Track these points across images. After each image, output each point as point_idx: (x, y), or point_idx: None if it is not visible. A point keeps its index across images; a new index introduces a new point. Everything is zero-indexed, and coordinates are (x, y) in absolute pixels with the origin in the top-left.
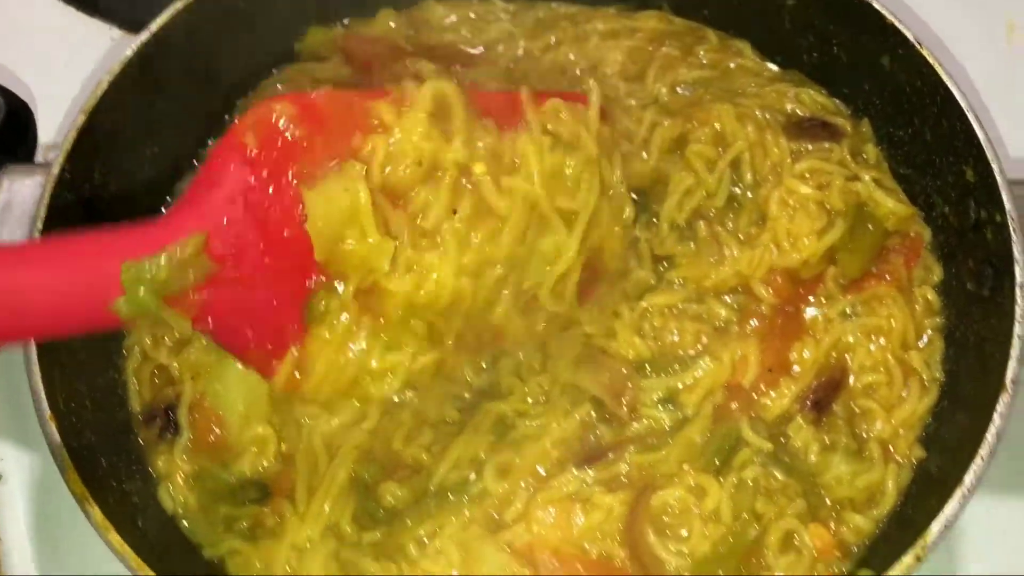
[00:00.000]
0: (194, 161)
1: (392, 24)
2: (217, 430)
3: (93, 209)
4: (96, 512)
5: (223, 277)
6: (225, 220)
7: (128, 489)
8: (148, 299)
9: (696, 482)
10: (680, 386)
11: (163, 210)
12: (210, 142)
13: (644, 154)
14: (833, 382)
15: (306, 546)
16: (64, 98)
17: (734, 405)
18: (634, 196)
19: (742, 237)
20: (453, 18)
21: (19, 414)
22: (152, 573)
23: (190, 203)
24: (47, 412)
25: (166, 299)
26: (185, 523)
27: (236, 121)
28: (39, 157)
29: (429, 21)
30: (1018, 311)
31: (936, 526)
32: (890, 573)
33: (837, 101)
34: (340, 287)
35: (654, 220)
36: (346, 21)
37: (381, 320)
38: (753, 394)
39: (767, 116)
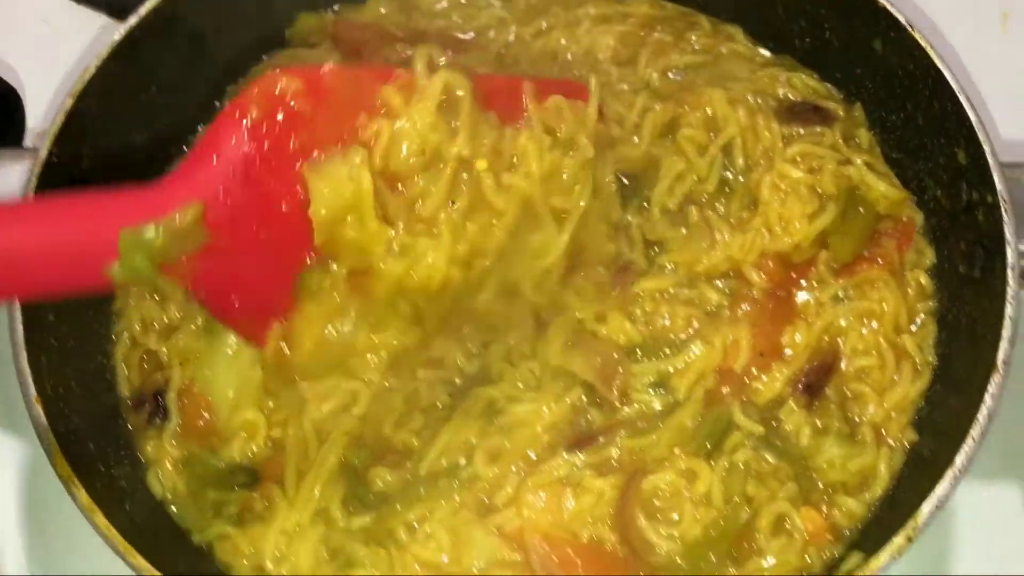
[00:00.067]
0: (183, 147)
1: (382, 10)
2: (206, 415)
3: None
4: (82, 495)
5: (217, 246)
6: (223, 190)
7: (116, 474)
8: (143, 265)
9: (687, 466)
10: (671, 370)
11: None
12: (200, 128)
13: (635, 139)
14: (825, 366)
15: (295, 531)
16: (53, 84)
17: (725, 389)
18: (625, 180)
19: (733, 221)
20: (444, 3)
21: (7, 402)
22: (138, 556)
23: (190, 170)
24: (34, 395)
25: (160, 265)
26: (174, 508)
27: (241, 90)
28: (28, 143)
29: (419, 6)
30: (1009, 291)
31: (927, 507)
32: (881, 554)
33: (829, 86)
34: (333, 266)
35: (645, 205)
36: (336, 7)
37: (369, 299)
38: (745, 378)
39: (759, 101)
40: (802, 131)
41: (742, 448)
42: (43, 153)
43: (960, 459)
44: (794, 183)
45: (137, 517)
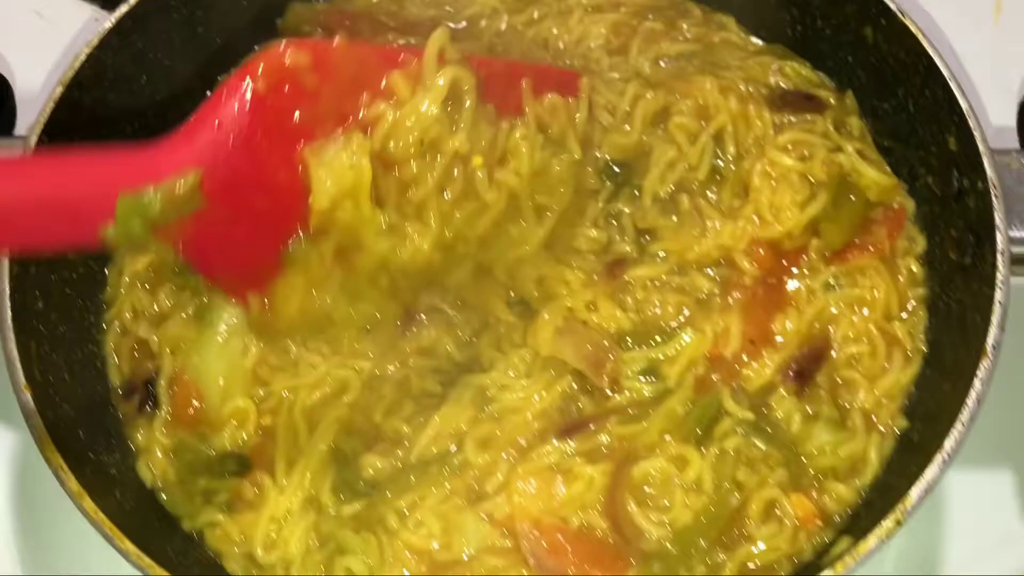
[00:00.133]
0: None
1: None
2: (196, 403)
3: None
4: (71, 480)
5: (211, 212)
6: (223, 158)
7: (106, 461)
8: (138, 229)
9: (677, 452)
10: (662, 357)
11: None
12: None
13: (627, 127)
14: (816, 353)
15: (285, 518)
16: (43, 73)
17: (716, 376)
18: (616, 169)
19: (724, 209)
20: None
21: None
22: (127, 541)
23: (191, 135)
24: (22, 381)
25: (154, 228)
26: (164, 496)
27: (249, 59)
28: (18, 131)
29: None
30: (999, 277)
31: (916, 491)
32: (870, 537)
33: (821, 74)
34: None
35: (636, 193)
36: None
37: (351, 272)
38: (735, 365)
39: (750, 89)
40: (793, 119)
41: (732, 435)
42: (33, 141)
43: (949, 443)
44: (785, 171)
45: (127, 504)
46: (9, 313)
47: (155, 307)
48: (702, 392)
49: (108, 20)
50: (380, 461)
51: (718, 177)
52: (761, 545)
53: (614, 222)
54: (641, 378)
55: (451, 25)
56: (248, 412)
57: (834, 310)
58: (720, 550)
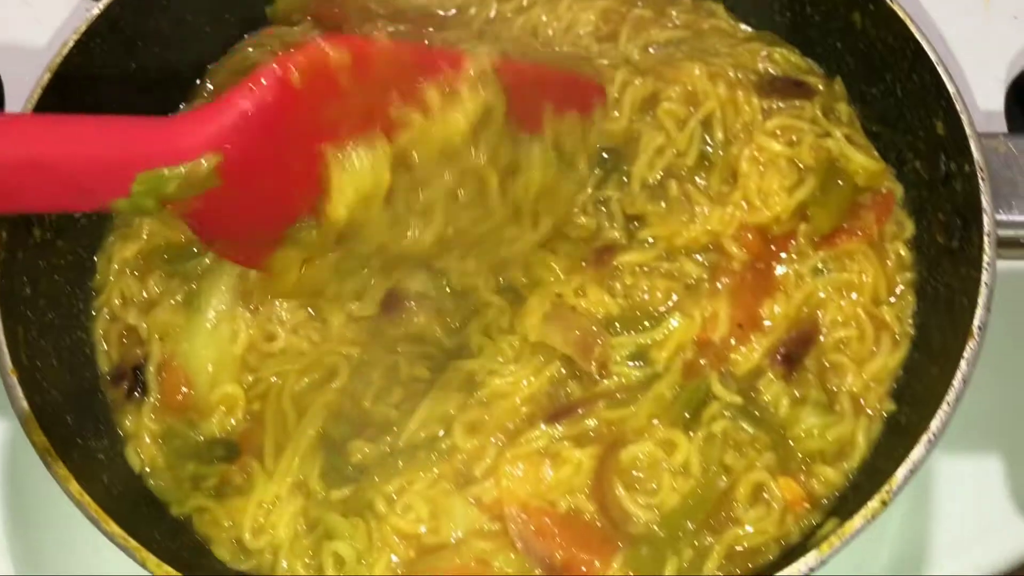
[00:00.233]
0: None
1: None
2: (185, 389)
3: None
4: (57, 464)
5: (222, 190)
6: (246, 144)
7: (93, 447)
8: (150, 204)
9: (665, 436)
10: (650, 342)
11: None
12: (182, 107)
13: (615, 113)
14: (804, 337)
15: (274, 503)
16: (32, 62)
17: (704, 361)
18: (605, 155)
19: (713, 195)
20: None
21: None
22: (112, 523)
23: (216, 115)
24: (8, 366)
25: (163, 203)
26: (152, 481)
27: (287, 52)
28: None
29: None
30: (985, 259)
31: (902, 471)
32: (856, 518)
33: (810, 60)
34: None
35: (625, 179)
36: None
37: (348, 253)
38: (723, 350)
39: (739, 75)
40: (782, 105)
41: (720, 418)
42: None
43: (935, 424)
44: (773, 156)
45: (114, 489)
46: None
47: (144, 294)
48: (690, 376)
49: (96, 7)
50: (368, 446)
51: (706, 163)
52: (749, 528)
53: (603, 208)
54: (629, 363)
55: (440, 13)
56: (237, 398)
57: (822, 295)
58: (708, 533)
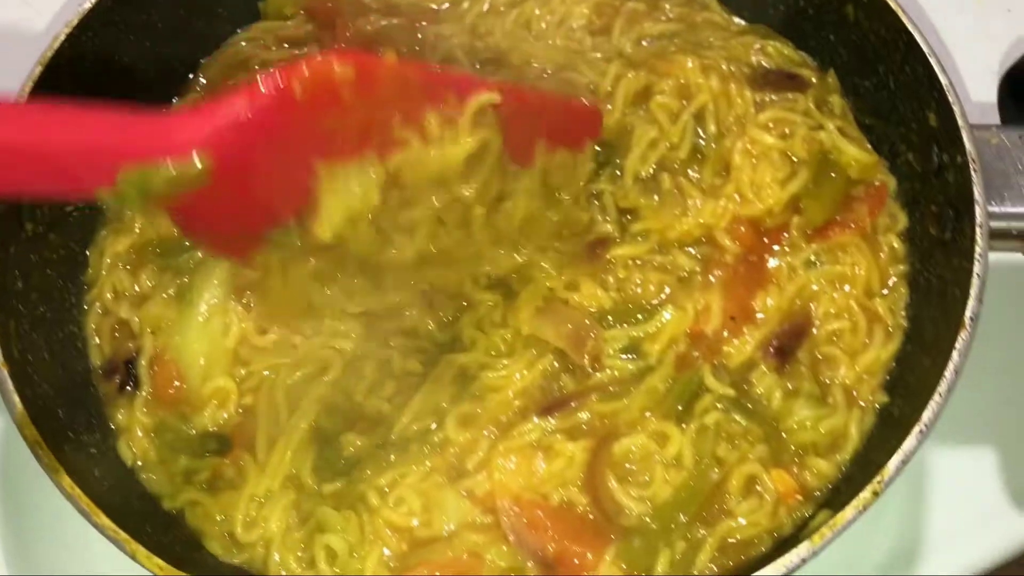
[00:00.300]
0: None
1: None
2: (177, 383)
3: None
4: (47, 456)
5: (209, 190)
6: (238, 148)
7: (85, 441)
8: (134, 199)
9: (658, 429)
10: (643, 335)
11: None
12: (175, 101)
13: (608, 106)
14: (797, 329)
15: (266, 496)
16: (23, 56)
17: (697, 353)
18: (597, 148)
19: (706, 188)
20: None
21: None
22: (103, 516)
23: (210, 115)
24: None
25: (149, 199)
26: (144, 475)
27: (295, 63)
28: None
29: None
30: (977, 250)
31: (893, 462)
32: (847, 508)
33: (803, 54)
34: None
35: (618, 173)
36: None
37: (327, 260)
38: (716, 342)
39: (732, 68)
40: (775, 97)
41: (713, 410)
42: None
43: (927, 415)
44: (766, 148)
45: (106, 483)
46: None
47: (136, 287)
48: (683, 369)
49: (88, 0)
50: (361, 440)
51: (699, 156)
52: (741, 520)
53: (596, 202)
54: (622, 356)
55: (433, 7)
56: (229, 391)
57: (815, 287)
58: (700, 525)
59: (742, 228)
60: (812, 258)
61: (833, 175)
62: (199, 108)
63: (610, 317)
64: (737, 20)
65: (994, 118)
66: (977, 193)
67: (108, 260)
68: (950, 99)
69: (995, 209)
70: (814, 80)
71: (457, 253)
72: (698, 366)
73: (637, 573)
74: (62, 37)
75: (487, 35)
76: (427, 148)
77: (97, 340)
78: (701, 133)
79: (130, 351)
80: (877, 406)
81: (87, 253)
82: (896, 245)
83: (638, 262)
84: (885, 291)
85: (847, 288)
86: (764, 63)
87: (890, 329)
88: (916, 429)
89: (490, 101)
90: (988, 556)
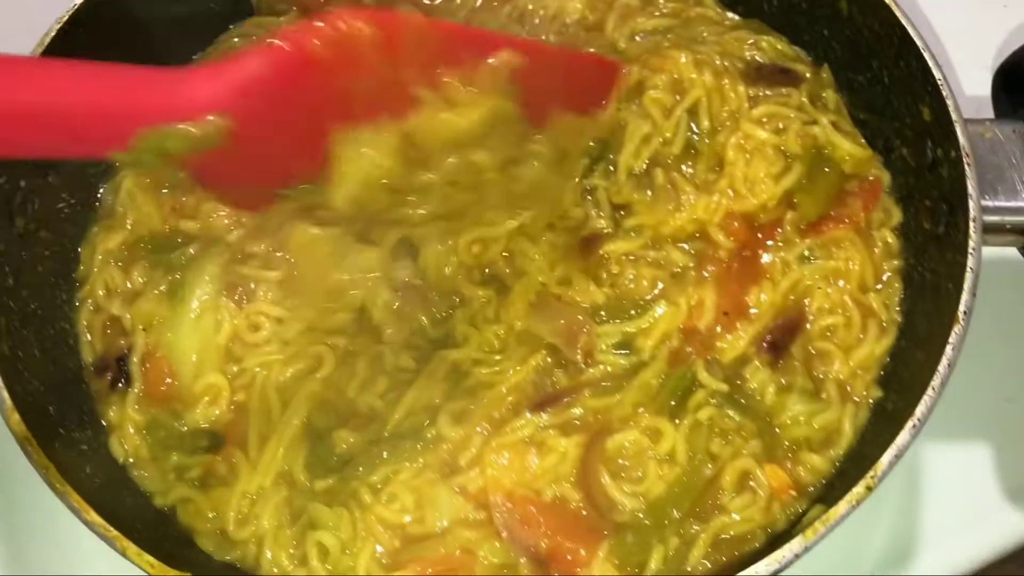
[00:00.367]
0: None
1: None
2: (169, 380)
3: (44, 162)
4: (37, 452)
5: (226, 149)
6: (255, 107)
7: (77, 438)
8: (149, 159)
9: (651, 424)
10: (636, 331)
11: None
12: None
13: (602, 102)
14: (790, 324)
15: (258, 493)
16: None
17: (690, 349)
18: (591, 143)
19: (699, 183)
20: None
21: None
22: (93, 512)
23: (227, 73)
24: None
25: (164, 159)
26: (136, 472)
27: (315, 18)
28: None
29: None
30: (971, 244)
31: (887, 457)
32: (841, 504)
33: (797, 48)
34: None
35: (611, 168)
36: None
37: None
38: (709, 337)
39: (726, 63)
40: (768, 92)
41: (706, 406)
42: None
43: (920, 409)
44: (759, 144)
45: (97, 480)
46: None
47: (128, 284)
48: (676, 364)
49: None
50: (353, 436)
51: (693, 151)
52: (735, 516)
53: (589, 197)
54: (615, 351)
55: (426, 2)
56: (221, 388)
57: (809, 282)
58: (694, 521)
59: (736, 223)
60: (806, 253)
61: (827, 170)
62: (218, 66)
63: (603, 313)
64: (731, 15)
65: (988, 112)
66: (970, 187)
67: (100, 257)
68: (944, 93)
69: (989, 203)
70: (808, 75)
71: (462, 211)
72: (691, 361)
73: (630, 569)
74: (53, 33)
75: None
76: (444, 110)
77: (89, 337)
78: (695, 128)
79: (122, 348)
80: (871, 401)
81: (79, 250)
82: (890, 240)
83: (631, 258)
84: (879, 286)
85: (841, 283)
86: (758, 58)
87: (884, 324)
88: (910, 424)
89: (509, 63)
90: (984, 552)
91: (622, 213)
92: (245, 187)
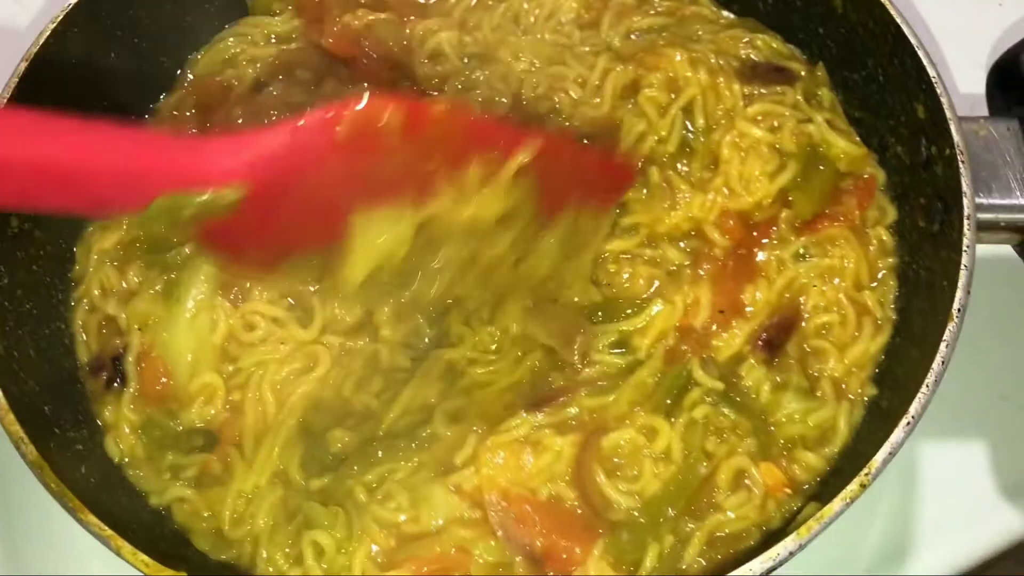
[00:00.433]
0: (144, 116)
1: None
2: (164, 379)
3: None
4: (31, 451)
5: (239, 218)
6: (273, 182)
7: (72, 437)
8: (163, 222)
9: (646, 423)
10: (632, 330)
11: None
12: (162, 97)
13: (597, 100)
14: (786, 322)
15: (253, 493)
16: (10, 50)
17: (686, 347)
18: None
19: (694, 181)
20: None
21: None
22: (88, 512)
23: (247, 146)
24: None
25: (176, 225)
26: (131, 472)
27: (342, 103)
28: None
29: None
30: (965, 242)
31: (880, 455)
32: (835, 501)
33: (793, 47)
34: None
35: None
36: None
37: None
38: (705, 335)
39: (721, 61)
40: (763, 91)
41: (702, 404)
42: None
43: (915, 407)
44: (754, 142)
45: (92, 479)
46: None
47: (123, 284)
48: (672, 363)
49: None
50: (348, 435)
51: (688, 149)
52: (730, 514)
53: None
54: (612, 350)
55: (420, 1)
56: (216, 387)
57: (804, 280)
58: (689, 520)
59: (731, 221)
60: (801, 251)
61: (822, 168)
62: (239, 136)
63: (600, 313)
64: (726, 13)
65: (983, 110)
66: (965, 185)
67: (95, 257)
68: (938, 91)
69: (983, 201)
70: (803, 73)
71: (472, 293)
72: (687, 360)
73: (626, 567)
74: (47, 33)
75: (475, 29)
76: (463, 202)
77: (84, 337)
78: (690, 127)
79: (117, 348)
80: (866, 399)
81: (74, 249)
82: (885, 238)
83: (627, 256)
84: (874, 284)
85: (836, 281)
86: (753, 56)
87: (879, 322)
88: (904, 421)
89: (528, 157)
90: (980, 550)
91: (618, 211)
92: (253, 254)
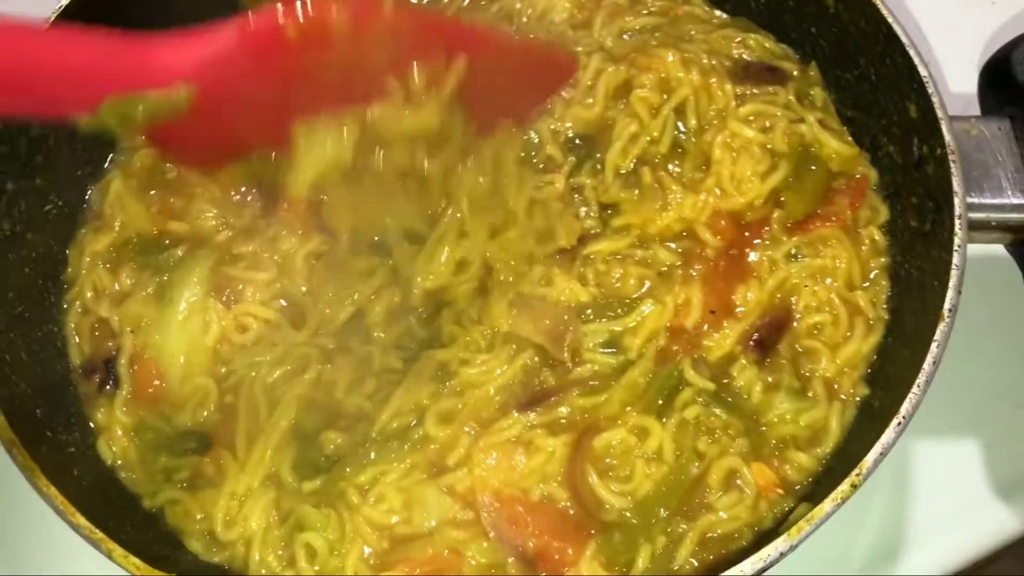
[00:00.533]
0: None
1: None
2: (157, 382)
3: (35, 159)
4: (22, 455)
5: (189, 118)
6: (223, 80)
7: (64, 440)
8: (113, 124)
9: (638, 423)
10: (623, 329)
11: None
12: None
13: (589, 100)
14: (777, 322)
15: (246, 495)
16: None
17: (677, 347)
18: (578, 142)
19: (686, 182)
20: None
21: None
22: (79, 515)
23: (196, 45)
24: None
25: (127, 125)
26: (124, 474)
27: (288, 3)
28: None
29: None
30: (956, 241)
31: (871, 455)
32: (825, 502)
33: (785, 46)
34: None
35: (599, 167)
36: None
37: None
38: (696, 336)
39: (713, 62)
40: (755, 91)
41: (693, 404)
42: None
43: (905, 407)
44: (746, 142)
45: (85, 482)
46: None
47: (116, 286)
48: (663, 363)
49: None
50: (341, 437)
51: (680, 150)
52: (722, 514)
53: (576, 196)
54: (603, 350)
55: (414, 0)
56: (209, 390)
57: (796, 280)
58: (681, 520)
59: (723, 222)
60: (793, 251)
61: (814, 168)
62: (187, 37)
63: (590, 311)
64: (718, 13)
65: (974, 109)
66: (956, 184)
67: (88, 259)
68: (930, 91)
69: (974, 200)
70: (795, 73)
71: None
72: (678, 360)
73: (618, 568)
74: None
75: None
76: (405, 106)
77: (77, 339)
78: (682, 127)
79: (110, 350)
80: (858, 399)
81: (66, 252)
82: (877, 237)
83: (618, 256)
84: (866, 283)
85: (828, 281)
86: (745, 56)
87: (871, 321)
88: (895, 421)
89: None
90: (974, 549)
91: (609, 212)
92: (201, 152)
